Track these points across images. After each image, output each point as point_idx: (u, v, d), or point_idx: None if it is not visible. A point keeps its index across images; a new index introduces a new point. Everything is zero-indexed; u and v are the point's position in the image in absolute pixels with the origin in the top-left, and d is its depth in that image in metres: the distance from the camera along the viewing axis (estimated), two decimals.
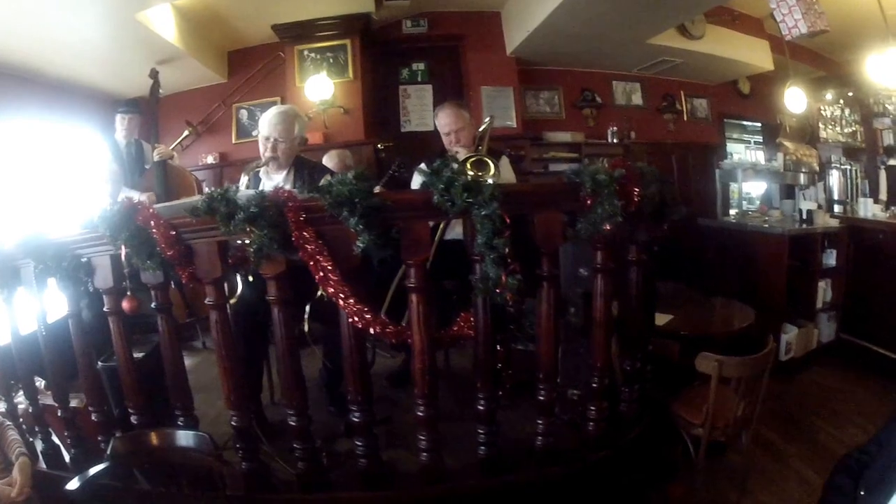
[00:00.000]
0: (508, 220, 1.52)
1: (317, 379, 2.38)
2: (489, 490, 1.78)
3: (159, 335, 1.84)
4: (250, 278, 1.98)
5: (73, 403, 2.10)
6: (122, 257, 1.70)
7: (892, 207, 4.17)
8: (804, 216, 3.89)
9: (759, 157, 5.73)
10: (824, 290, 3.75)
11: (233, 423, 1.78)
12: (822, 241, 3.71)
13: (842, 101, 5.16)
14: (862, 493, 1.26)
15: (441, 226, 2.36)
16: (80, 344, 1.96)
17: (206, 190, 3.30)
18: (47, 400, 2.14)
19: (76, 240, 1.82)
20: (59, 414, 2.06)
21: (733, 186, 4.64)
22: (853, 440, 2.53)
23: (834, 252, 3.76)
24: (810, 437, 2.76)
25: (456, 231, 2.34)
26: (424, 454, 1.73)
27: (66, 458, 2.09)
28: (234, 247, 1.72)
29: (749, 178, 4.71)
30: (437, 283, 2.20)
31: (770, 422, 2.79)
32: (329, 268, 1.56)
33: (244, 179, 2.25)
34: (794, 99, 4.29)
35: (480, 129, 2.51)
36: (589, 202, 1.65)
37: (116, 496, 1.70)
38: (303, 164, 2.38)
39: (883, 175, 4.75)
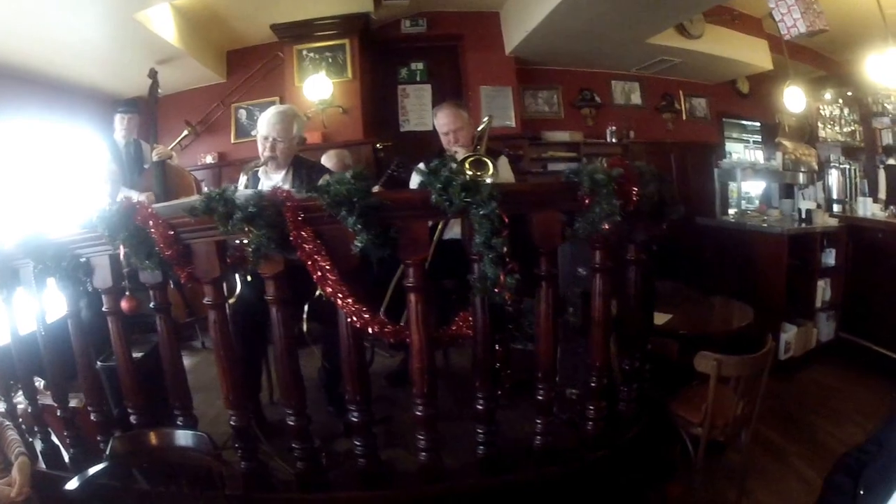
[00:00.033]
0: (507, 220, 1.52)
1: (315, 378, 2.38)
2: (488, 489, 1.78)
3: (158, 335, 1.84)
4: (249, 278, 1.99)
5: (73, 403, 2.10)
6: (121, 257, 1.70)
7: (891, 207, 4.16)
8: (803, 215, 3.90)
9: (758, 156, 5.72)
10: (823, 290, 3.76)
11: (232, 422, 1.78)
12: (821, 240, 3.72)
13: (841, 101, 5.15)
14: (861, 491, 1.25)
15: (440, 225, 2.36)
16: (79, 344, 1.96)
17: (204, 190, 3.29)
18: (46, 400, 2.14)
19: (75, 240, 1.82)
20: (58, 414, 2.06)
21: (732, 186, 4.64)
22: (852, 439, 2.52)
23: (833, 251, 3.76)
24: (810, 436, 2.76)
25: (454, 230, 2.34)
26: (423, 454, 1.73)
27: (66, 457, 2.09)
28: (232, 246, 1.73)
29: (748, 178, 4.70)
30: (435, 282, 2.20)
31: (769, 421, 2.78)
32: (327, 267, 1.56)
33: (243, 179, 2.25)
34: (793, 98, 4.29)
35: (479, 129, 2.51)
36: (587, 201, 1.65)
37: (115, 496, 1.70)
38: (301, 164, 2.38)
39: (882, 174, 4.73)
